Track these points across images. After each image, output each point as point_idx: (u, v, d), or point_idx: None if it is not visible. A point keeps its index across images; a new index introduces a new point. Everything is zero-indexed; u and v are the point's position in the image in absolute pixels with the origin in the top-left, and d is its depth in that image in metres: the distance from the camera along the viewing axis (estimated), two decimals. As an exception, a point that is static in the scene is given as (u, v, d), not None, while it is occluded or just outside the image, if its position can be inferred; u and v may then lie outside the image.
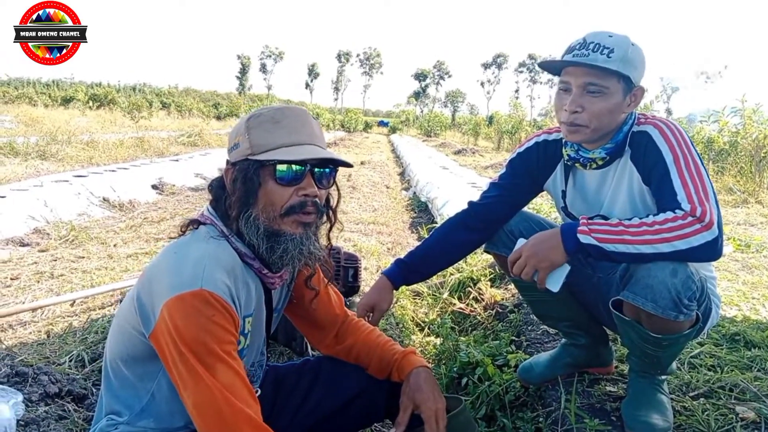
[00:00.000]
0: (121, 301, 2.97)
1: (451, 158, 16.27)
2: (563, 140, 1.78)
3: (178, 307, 1.15)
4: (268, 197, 1.27)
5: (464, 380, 2.32)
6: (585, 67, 1.58)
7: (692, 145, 1.60)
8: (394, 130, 46.26)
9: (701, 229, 1.44)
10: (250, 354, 1.40)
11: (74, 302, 3.08)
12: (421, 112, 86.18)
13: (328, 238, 1.45)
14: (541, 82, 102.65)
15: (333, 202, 1.43)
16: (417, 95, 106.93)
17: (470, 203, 1.97)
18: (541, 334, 2.60)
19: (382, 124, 61.05)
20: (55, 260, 3.91)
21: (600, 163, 1.71)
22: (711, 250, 1.46)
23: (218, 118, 34.50)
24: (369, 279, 3.53)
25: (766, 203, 6.84)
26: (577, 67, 1.60)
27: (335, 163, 1.35)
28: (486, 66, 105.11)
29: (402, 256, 1.95)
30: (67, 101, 29.65)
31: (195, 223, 1.35)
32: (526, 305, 2.93)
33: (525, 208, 1.97)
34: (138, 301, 1.24)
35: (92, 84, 54.61)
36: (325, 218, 1.40)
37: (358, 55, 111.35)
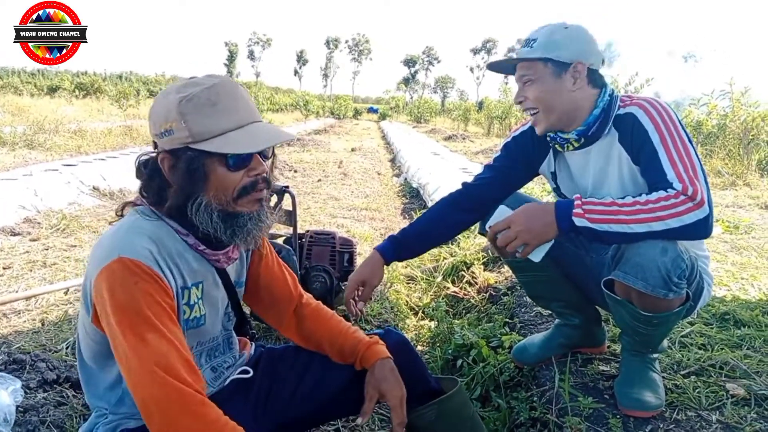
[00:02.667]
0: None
1: (441, 144, 16.27)
2: None
3: (102, 280, 1.14)
4: (219, 183, 1.23)
5: (459, 362, 2.34)
6: (517, 63, 1.75)
7: (679, 123, 1.62)
8: (384, 116, 46.12)
9: (693, 207, 1.47)
10: (211, 327, 1.39)
11: (68, 290, 3.07)
12: (411, 98, 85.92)
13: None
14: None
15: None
16: (406, 81, 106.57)
17: (464, 184, 2.00)
18: (534, 315, 2.63)
19: (371, 110, 60.80)
20: (47, 249, 3.89)
21: (576, 144, 1.76)
22: (702, 228, 1.48)
23: (206, 105, 34.04)
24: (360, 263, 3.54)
25: (754, 185, 6.91)
26: (514, 65, 1.77)
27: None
28: (475, 51, 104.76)
29: (395, 233, 1.97)
30: (53, 90, 29.29)
31: (130, 204, 1.34)
32: (519, 288, 2.96)
33: (519, 191, 1.98)
34: (82, 294, 1.25)
35: (78, 73, 53.92)
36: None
37: (346, 42, 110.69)
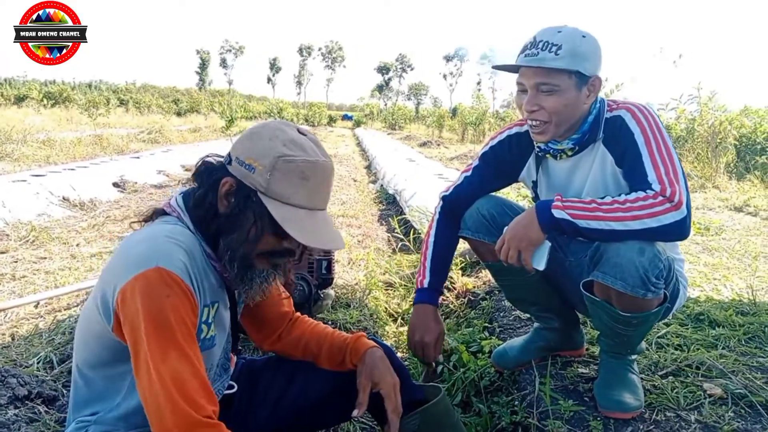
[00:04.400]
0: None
1: (416, 150, 16.33)
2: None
3: (133, 289, 1.11)
4: (257, 236, 1.24)
5: (440, 368, 2.34)
6: (535, 69, 1.63)
7: (663, 127, 1.65)
8: (358, 123, 46.14)
9: (671, 208, 1.49)
10: (219, 346, 1.37)
11: (38, 303, 2.99)
12: (385, 105, 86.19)
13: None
14: (502, 74, 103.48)
15: None
16: (380, 88, 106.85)
17: (444, 199, 2.00)
18: (513, 320, 2.64)
19: (346, 117, 60.82)
20: (16, 261, 3.79)
21: (570, 154, 1.76)
22: (680, 229, 1.51)
23: (178, 114, 33.86)
24: (340, 271, 3.53)
25: (723, 187, 7.08)
26: (528, 69, 1.65)
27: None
28: (448, 58, 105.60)
29: (422, 283, 1.95)
30: (20, 99, 28.68)
31: (160, 214, 1.32)
32: (497, 292, 2.97)
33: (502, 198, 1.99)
34: (100, 299, 1.20)
35: (46, 82, 52.87)
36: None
37: (320, 49, 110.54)
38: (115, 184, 7.15)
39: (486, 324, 2.67)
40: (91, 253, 4.04)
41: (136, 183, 7.40)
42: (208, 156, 1.37)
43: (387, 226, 5.76)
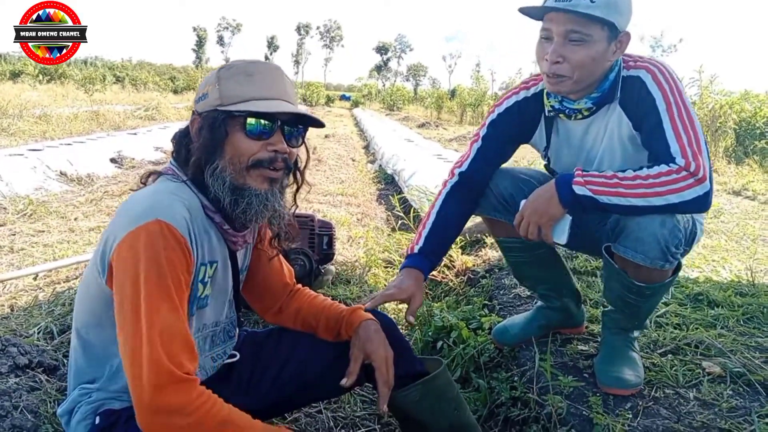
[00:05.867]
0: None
1: (415, 131, 16.26)
2: (545, 91, 1.73)
3: (131, 241, 1.11)
4: (236, 149, 1.24)
5: (439, 344, 2.35)
6: (567, 14, 1.51)
7: (683, 90, 1.58)
8: (356, 104, 45.89)
9: (694, 183, 1.46)
10: (214, 308, 1.37)
11: (37, 276, 2.98)
12: (383, 86, 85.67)
13: (295, 200, 1.44)
14: (502, 55, 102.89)
15: (301, 164, 1.41)
16: (379, 69, 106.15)
17: (461, 174, 1.89)
18: (512, 297, 2.64)
19: (344, 98, 60.46)
20: (14, 234, 3.78)
21: (586, 113, 1.67)
22: (702, 204, 1.49)
23: (175, 92, 33.54)
24: (340, 248, 3.52)
25: (722, 171, 7.09)
26: (558, 13, 1.53)
27: (306, 122, 1.34)
28: (449, 39, 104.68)
29: (413, 248, 1.84)
30: (15, 75, 28.34)
31: (156, 174, 1.32)
32: (497, 270, 2.98)
33: (507, 164, 1.96)
34: (99, 255, 1.20)
35: (41, 56, 52.22)
36: (292, 179, 1.39)
37: (318, 28, 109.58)
38: (113, 160, 7.11)
39: (486, 302, 2.68)
40: (90, 227, 4.03)
41: (133, 159, 7.37)
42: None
43: (386, 205, 5.75)
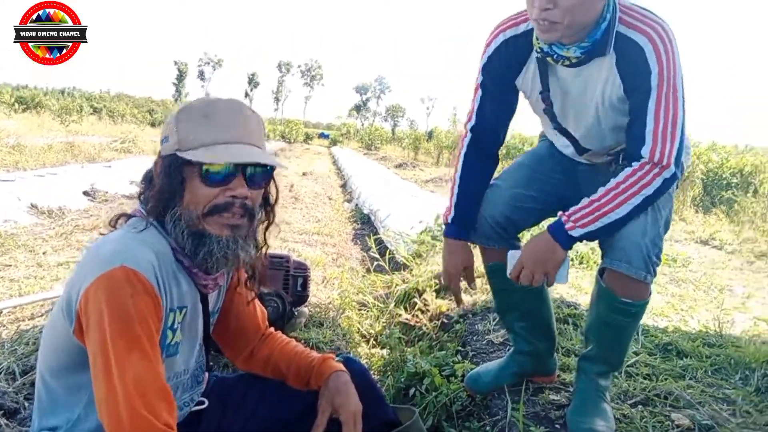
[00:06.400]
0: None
1: (392, 171, 16.40)
2: (535, 32, 1.66)
3: (98, 288, 1.09)
4: (193, 195, 1.22)
5: (412, 391, 2.33)
6: None
7: (678, 62, 1.57)
8: (335, 142, 46.21)
9: (660, 171, 1.55)
10: (184, 355, 1.34)
11: (1, 312, 2.90)
12: (362, 125, 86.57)
13: (265, 238, 1.40)
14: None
15: (272, 200, 1.39)
16: (358, 108, 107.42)
17: (473, 129, 1.90)
18: (486, 344, 2.64)
19: (323, 136, 60.88)
20: (-22, 268, 3.68)
21: (573, 61, 1.63)
22: (671, 184, 1.59)
23: (153, 125, 33.40)
24: (314, 289, 3.50)
25: (690, 220, 7.27)
26: None
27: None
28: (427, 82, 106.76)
29: (447, 218, 1.92)
30: (-10, 102, 27.99)
31: (125, 217, 1.30)
32: (471, 315, 2.98)
33: (497, 174, 1.97)
34: (65, 302, 1.18)
35: (18, 86, 51.78)
36: (264, 216, 1.37)
37: (299, 66, 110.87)
38: (86, 193, 7.01)
39: (459, 347, 2.67)
40: (58, 262, 3.94)
41: (107, 192, 7.27)
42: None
43: (361, 245, 5.75)
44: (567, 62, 1.63)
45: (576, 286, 3.50)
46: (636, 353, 2.43)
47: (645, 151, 1.56)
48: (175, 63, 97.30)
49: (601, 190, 1.59)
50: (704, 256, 5.19)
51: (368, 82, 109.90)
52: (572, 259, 4.11)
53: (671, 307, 3.27)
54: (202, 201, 1.22)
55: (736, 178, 8.66)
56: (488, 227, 1.89)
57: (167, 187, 1.22)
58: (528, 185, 1.92)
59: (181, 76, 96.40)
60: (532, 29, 1.67)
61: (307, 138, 48.51)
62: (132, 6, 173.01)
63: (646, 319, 2.93)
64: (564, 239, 1.61)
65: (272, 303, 2.55)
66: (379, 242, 5.04)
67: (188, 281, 1.30)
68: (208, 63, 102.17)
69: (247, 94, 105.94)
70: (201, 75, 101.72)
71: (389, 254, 4.32)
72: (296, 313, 2.69)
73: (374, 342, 3.03)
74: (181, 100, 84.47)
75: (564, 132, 1.83)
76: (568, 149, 1.91)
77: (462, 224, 1.91)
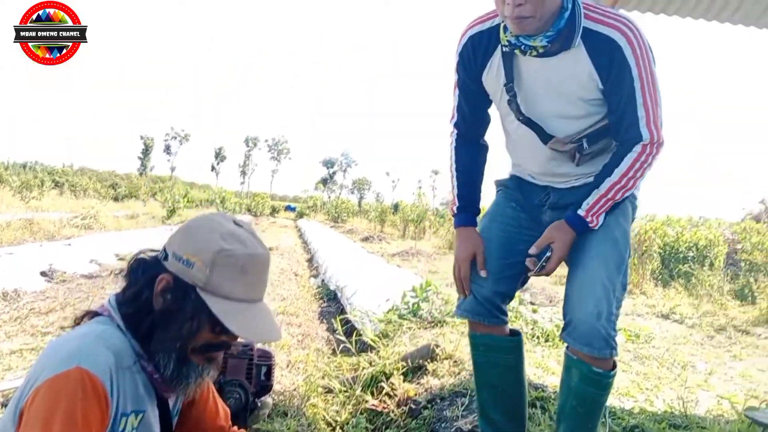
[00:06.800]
0: (3, 405, 2.68)
1: (359, 245, 16.43)
2: (502, 25, 1.78)
3: (48, 389, 1.06)
4: (195, 332, 1.23)
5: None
6: None
7: (649, 48, 1.73)
8: (301, 215, 46.29)
9: (657, 150, 1.77)
10: None
11: (-55, 408, 2.73)
12: (329, 197, 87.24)
13: None
14: (442, 173, 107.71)
15: None
16: (324, 182, 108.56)
17: (457, 125, 2.06)
18: (454, 431, 2.60)
19: (289, 209, 60.98)
20: (-77, 359, 3.49)
21: (540, 50, 1.72)
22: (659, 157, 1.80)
23: (116, 199, 33.15)
24: (278, 374, 3.41)
25: (650, 294, 7.42)
26: None
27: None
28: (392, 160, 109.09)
29: (453, 209, 2.06)
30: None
31: (91, 315, 1.29)
32: (439, 401, 2.93)
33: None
34: (15, 402, 1.14)
35: (-24, 161, 50.99)
36: None
37: (266, 141, 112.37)
38: (43, 273, 6.81)
39: (427, 435, 2.62)
40: (11, 350, 3.77)
41: (65, 272, 7.08)
42: (141, 252, 1.36)
43: (327, 325, 5.67)
44: (534, 52, 1.73)
45: (543, 365, 3.51)
46: (604, 437, 2.41)
47: (645, 136, 1.74)
48: (141, 137, 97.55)
49: (608, 183, 1.77)
50: (666, 331, 5.28)
51: (335, 156, 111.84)
52: (538, 337, 4.14)
53: (636, 386, 3.29)
54: (201, 340, 1.24)
55: (692, 251, 8.94)
56: (480, 305, 1.96)
57: (177, 318, 1.22)
58: (505, 254, 1.98)
59: (146, 150, 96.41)
60: (497, 26, 1.81)
61: (274, 211, 48.50)
62: (99, 81, 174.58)
63: (613, 400, 2.94)
64: (585, 230, 1.81)
65: (234, 394, 2.46)
66: (346, 321, 4.99)
67: (147, 384, 1.28)
68: (175, 137, 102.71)
69: (213, 168, 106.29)
70: (167, 149, 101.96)
71: (356, 335, 4.27)
72: (260, 404, 2.61)
73: (340, 430, 2.94)
74: (146, 173, 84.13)
75: (528, 122, 1.89)
76: (533, 165, 2.00)
77: (469, 210, 2.04)
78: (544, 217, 2.00)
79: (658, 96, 1.76)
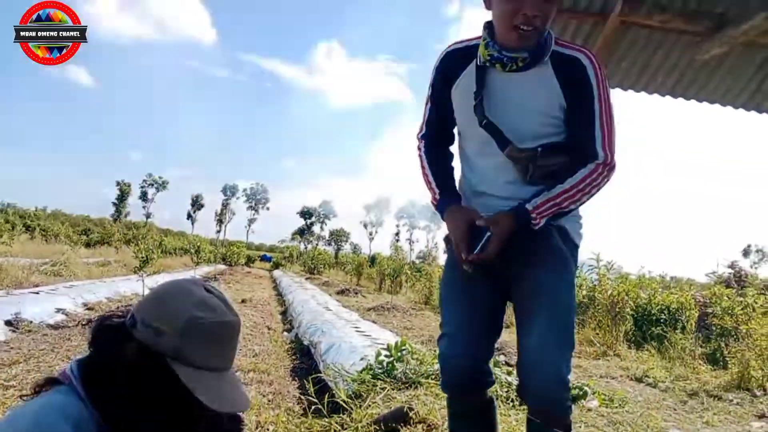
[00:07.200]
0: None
1: (334, 298, 16.26)
2: (484, 42, 1.93)
3: None
4: (164, 403, 1.24)
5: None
6: None
7: (607, 83, 1.91)
8: (277, 265, 45.86)
9: (608, 173, 1.87)
10: None
11: None
12: (305, 248, 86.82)
13: None
14: (419, 228, 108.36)
15: None
16: (302, 232, 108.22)
17: (424, 137, 2.15)
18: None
19: (264, 258, 60.47)
20: None
21: (521, 64, 1.88)
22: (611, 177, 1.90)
23: (88, 245, 32.58)
24: (248, 437, 3.32)
25: (623, 356, 7.44)
26: None
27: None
28: (368, 209, 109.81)
29: (436, 198, 2.07)
30: None
31: (51, 383, 1.26)
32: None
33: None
34: None
35: (-53, 201, 49.99)
36: None
37: (245, 190, 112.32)
38: (8, 323, 6.61)
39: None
40: (-32, 407, 3.62)
41: (31, 322, 6.88)
42: (106, 318, 1.34)
43: (299, 382, 5.55)
44: (514, 66, 1.89)
45: (513, 429, 3.47)
46: None
47: (601, 156, 1.85)
48: (117, 183, 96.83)
49: (559, 189, 1.85)
50: (640, 395, 5.28)
51: (313, 206, 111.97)
52: (512, 400, 4.10)
53: (610, 455, 3.27)
54: (168, 410, 1.24)
55: (664, 314, 9.04)
56: (466, 377, 1.98)
57: (141, 387, 1.21)
58: (470, 318, 2.00)
59: (122, 197, 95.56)
60: (475, 45, 1.98)
61: (249, 261, 47.99)
62: (77, 123, 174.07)
63: (587, 469, 2.91)
64: (526, 226, 1.85)
65: (202, 459, 2.39)
66: (319, 380, 4.91)
67: None
68: (152, 184, 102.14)
69: (189, 216, 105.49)
70: (143, 196, 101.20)
71: (328, 395, 4.20)
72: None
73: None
74: (121, 220, 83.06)
75: (489, 126, 1.95)
76: (486, 185, 2.04)
77: (451, 194, 2.06)
78: (497, 266, 1.98)
79: (613, 122, 1.88)
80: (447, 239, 2.14)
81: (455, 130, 2.17)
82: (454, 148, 2.22)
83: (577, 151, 1.90)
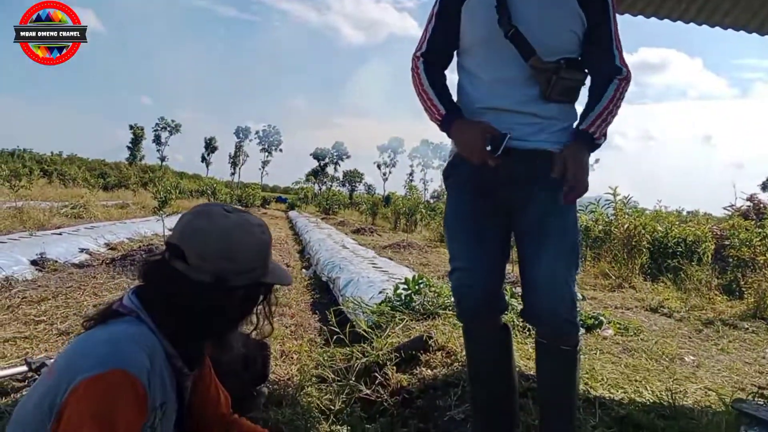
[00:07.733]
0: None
1: (350, 237, 16.42)
2: None
3: (89, 389, 1.08)
4: (243, 313, 1.45)
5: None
6: None
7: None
8: (292, 206, 46.22)
9: (628, 84, 1.96)
10: None
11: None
12: (320, 189, 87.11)
13: None
14: (433, 167, 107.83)
15: None
16: (316, 174, 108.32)
17: (422, 55, 2.09)
18: (447, 420, 2.64)
19: (280, 200, 60.90)
20: None
21: None
22: None
23: (105, 188, 32.95)
24: (272, 364, 3.43)
25: (639, 288, 7.49)
26: None
27: None
28: (382, 150, 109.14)
29: (441, 114, 2.01)
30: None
31: (115, 315, 1.30)
32: (431, 391, 2.97)
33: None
34: (48, 398, 1.15)
35: (-35, 147, 50.47)
36: None
37: (257, 132, 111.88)
38: (34, 262, 6.78)
39: (420, 424, 2.66)
40: (4, 338, 3.76)
41: (56, 261, 7.05)
42: (151, 253, 1.40)
43: (320, 316, 5.69)
44: None
45: (533, 357, 3.55)
46: (594, 427, 2.46)
47: (623, 72, 1.94)
48: (131, 127, 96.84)
49: (600, 107, 1.91)
50: (654, 324, 5.35)
51: (326, 147, 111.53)
52: (528, 329, 4.18)
53: (626, 378, 3.35)
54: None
55: (680, 247, 9.03)
56: (481, 305, 2.04)
57: (216, 308, 1.34)
58: (479, 250, 2.02)
59: (136, 140, 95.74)
60: None
61: (265, 202, 48.40)
62: (88, 67, 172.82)
63: (603, 391, 2.99)
64: (592, 145, 1.91)
65: (233, 383, 2.49)
66: (339, 312, 5.02)
67: (171, 376, 1.32)
68: (165, 128, 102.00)
69: (204, 159, 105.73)
70: (157, 139, 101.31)
71: (349, 326, 4.30)
72: (256, 393, 2.64)
73: (334, 419, 2.98)
74: (136, 163, 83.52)
75: (516, 38, 1.91)
76: (499, 98, 1.99)
77: (456, 110, 2.02)
78: (501, 194, 1.99)
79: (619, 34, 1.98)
80: (447, 173, 2.14)
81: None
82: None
83: (594, 69, 1.97)
